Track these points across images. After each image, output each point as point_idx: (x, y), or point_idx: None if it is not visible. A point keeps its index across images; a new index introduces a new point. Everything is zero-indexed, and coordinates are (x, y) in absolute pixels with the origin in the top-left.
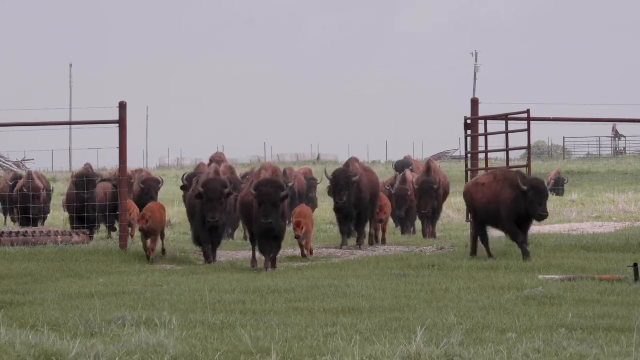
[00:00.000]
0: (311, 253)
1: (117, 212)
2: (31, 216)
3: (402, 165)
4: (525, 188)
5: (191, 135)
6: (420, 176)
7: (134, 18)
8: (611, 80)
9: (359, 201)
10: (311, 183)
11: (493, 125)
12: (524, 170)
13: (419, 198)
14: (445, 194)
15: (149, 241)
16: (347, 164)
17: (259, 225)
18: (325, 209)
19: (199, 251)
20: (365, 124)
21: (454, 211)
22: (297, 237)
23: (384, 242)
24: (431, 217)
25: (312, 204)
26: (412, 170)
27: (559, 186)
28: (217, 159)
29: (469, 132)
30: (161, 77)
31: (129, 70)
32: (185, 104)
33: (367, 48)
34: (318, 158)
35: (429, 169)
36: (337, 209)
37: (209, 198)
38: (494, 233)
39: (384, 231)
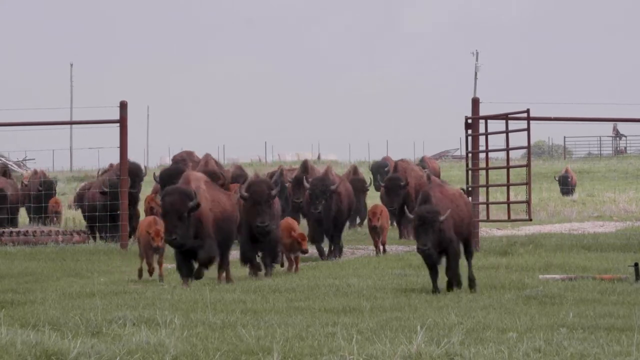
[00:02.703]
0: None
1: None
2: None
3: (378, 166)
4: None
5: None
6: (389, 175)
7: (134, 18)
8: (611, 80)
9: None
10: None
11: (493, 125)
12: (524, 170)
13: (385, 196)
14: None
15: (156, 256)
16: (325, 176)
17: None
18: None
19: None
20: (365, 124)
21: None
22: None
23: (383, 252)
24: (400, 215)
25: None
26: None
27: (567, 185)
28: (179, 159)
29: (469, 131)
30: (161, 76)
31: (130, 70)
32: (185, 104)
33: (367, 48)
34: (318, 158)
35: (395, 167)
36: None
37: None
38: None
39: (383, 243)
